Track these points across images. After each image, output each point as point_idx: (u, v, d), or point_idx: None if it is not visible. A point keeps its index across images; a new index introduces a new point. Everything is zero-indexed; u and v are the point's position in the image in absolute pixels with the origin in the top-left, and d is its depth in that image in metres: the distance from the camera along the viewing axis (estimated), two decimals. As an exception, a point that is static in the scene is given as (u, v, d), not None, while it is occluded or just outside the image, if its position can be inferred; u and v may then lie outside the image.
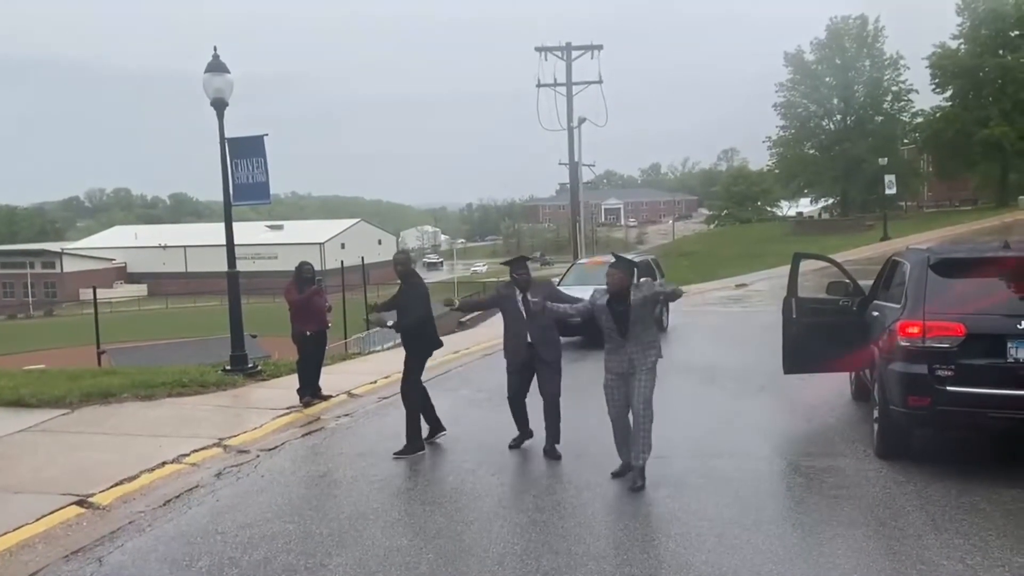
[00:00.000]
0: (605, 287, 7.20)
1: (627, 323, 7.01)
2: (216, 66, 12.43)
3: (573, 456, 7.87)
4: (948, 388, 6.76)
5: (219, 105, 12.46)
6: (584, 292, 16.73)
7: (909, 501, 6.41)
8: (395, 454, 8.20)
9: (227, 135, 12.61)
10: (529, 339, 8.05)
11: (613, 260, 7.38)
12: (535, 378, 8.17)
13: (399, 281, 8.68)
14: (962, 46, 57.87)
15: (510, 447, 8.18)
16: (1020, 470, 7.02)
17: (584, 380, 12.14)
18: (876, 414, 7.72)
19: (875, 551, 5.51)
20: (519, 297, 8.07)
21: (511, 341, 8.23)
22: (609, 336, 7.18)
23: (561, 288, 17.06)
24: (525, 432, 8.30)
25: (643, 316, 7.08)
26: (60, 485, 7.31)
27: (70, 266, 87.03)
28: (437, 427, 8.78)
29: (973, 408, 6.74)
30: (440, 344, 8.89)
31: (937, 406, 6.81)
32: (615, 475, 7.19)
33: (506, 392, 8.31)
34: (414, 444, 8.28)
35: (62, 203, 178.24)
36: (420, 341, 8.59)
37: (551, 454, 7.90)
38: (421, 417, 8.50)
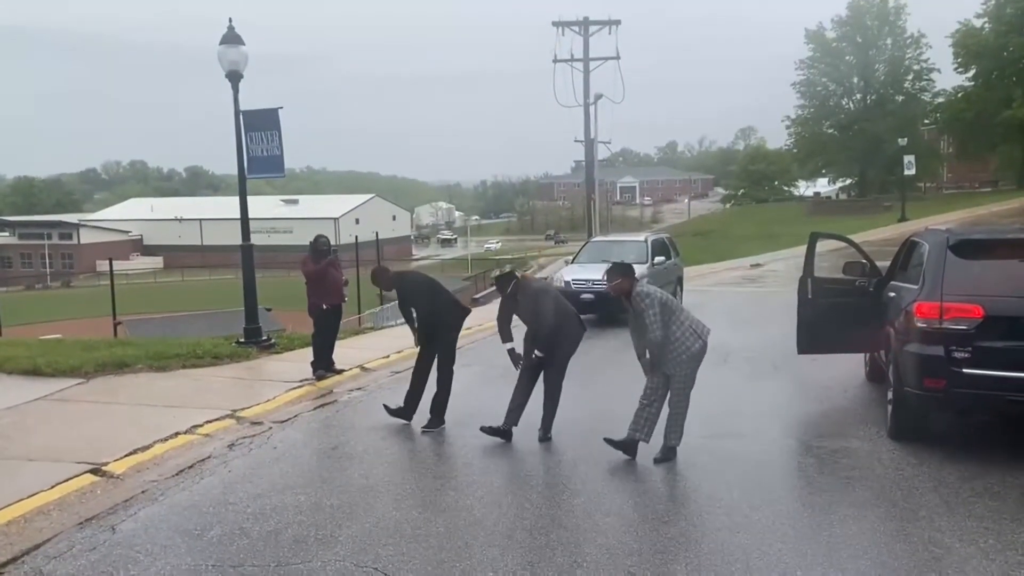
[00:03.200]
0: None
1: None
2: (231, 38, 12.38)
3: (585, 433, 7.86)
4: (964, 370, 6.68)
5: (234, 77, 12.42)
6: (598, 271, 16.73)
7: (922, 483, 6.37)
8: (423, 429, 8.29)
9: (243, 108, 12.59)
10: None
11: (609, 267, 7.41)
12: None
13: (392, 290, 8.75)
14: (986, 25, 56.88)
15: (482, 430, 7.83)
16: (1035, 454, 6.96)
17: (595, 358, 12.14)
18: (890, 396, 7.66)
19: (887, 532, 5.49)
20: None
21: (559, 335, 7.80)
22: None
23: (576, 265, 17.20)
24: (511, 425, 7.85)
25: (637, 327, 7.15)
26: (75, 453, 7.38)
27: (87, 238, 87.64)
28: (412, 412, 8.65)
29: (990, 391, 6.66)
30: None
31: (953, 388, 6.74)
32: (657, 461, 7.08)
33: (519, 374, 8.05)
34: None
35: (79, 175, 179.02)
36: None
37: (544, 437, 7.78)
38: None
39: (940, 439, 7.35)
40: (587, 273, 15.84)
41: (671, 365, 7.06)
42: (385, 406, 8.74)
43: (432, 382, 8.49)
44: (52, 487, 6.53)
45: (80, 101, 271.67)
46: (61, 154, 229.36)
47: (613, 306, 14.75)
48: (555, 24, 30.29)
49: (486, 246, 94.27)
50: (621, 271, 7.21)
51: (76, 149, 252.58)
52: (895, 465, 6.82)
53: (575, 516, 5.88)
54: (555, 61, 30.11)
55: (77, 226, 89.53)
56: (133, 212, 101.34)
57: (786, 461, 7.24)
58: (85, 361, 11.02)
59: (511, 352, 7.98)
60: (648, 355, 7.06)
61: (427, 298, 8.53)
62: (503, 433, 7.80)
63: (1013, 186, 57.62)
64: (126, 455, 7.35)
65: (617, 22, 30.29)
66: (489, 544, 5.42)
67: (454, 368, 8.54)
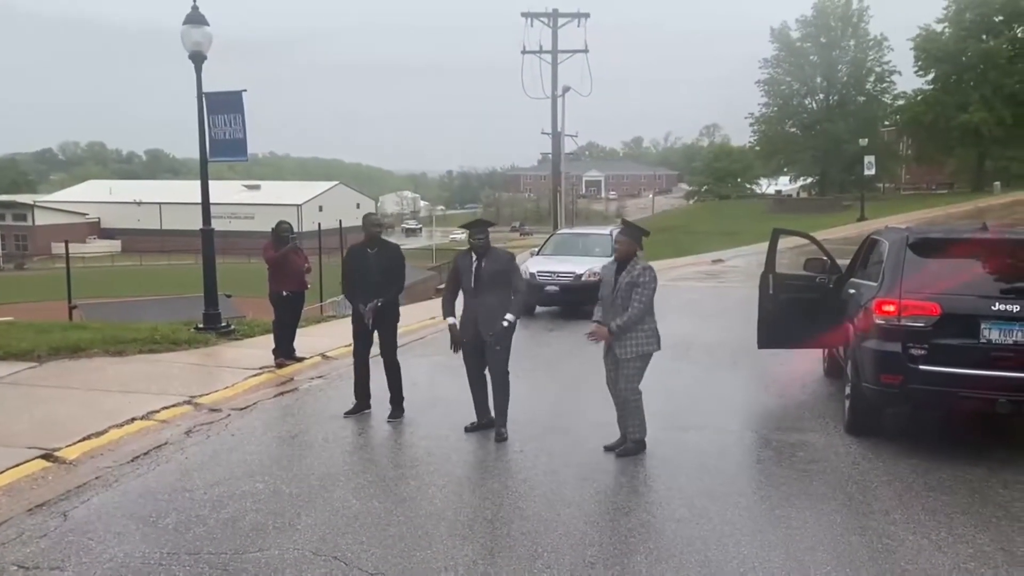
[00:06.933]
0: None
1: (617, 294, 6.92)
2: (195, 18, 12.17)
3: (546, 425, 7.87)
4: (920, 367, 6.80)
5: (197, 58, 12.21)
6: (562, 263, 16.69)
7: (877, 477, 6.48)
8: (389, 419, 8.16)
9: (206, 91, 12.39)
10: (475, 315, 7.52)
11: (622, 227, 7.31)
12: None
13: (369, 247, 8.29)
14: (946, 29, 57.98)
15: (466, 430, 7.69)
16: (987, 450, 7.11)
17: (560, 351, 12.16)
18: (848, 391, 7.78)
19: (842, 525, 5.57)
20: (473, 266, 7.51)
21: (463, 316, 7.68)
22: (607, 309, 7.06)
23: (540, 256, 17.18)
24: (484, 418, 7.74)
25: (625, 296, 6.94)
26: (26, 438, 7.21)
27: (42, 219, 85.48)
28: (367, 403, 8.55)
29: (944, 387, 6.79)
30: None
31: (909, 384, 6.86)
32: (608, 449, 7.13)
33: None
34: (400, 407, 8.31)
35: (35, 155, 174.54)
36: (395, 309, 8.52)
37: (500, 437, 7.45)
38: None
39: (895, 434, 7.48)
40: (552, 265, 15.84)
41: (627, 349, 7.00)
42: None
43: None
44: (1, 472, 6.37)
45: (36, 78, 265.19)
46: (15, 133, 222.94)
47: (577, 298, 14.85)
48: (524, 15, 30.26)
49: (451, 236, 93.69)
50: (631, 233, 7.14)
51: (32, 128, 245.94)
52: (851, 459, 6.93)
53: (536, 507, 5.88)
54: (523, 52, 30.11)
55: (32, 207, 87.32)
56: (91, 194, 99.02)
57: (745, 454, 7.31)
58: (38, 344, 10.78)
59: (452, 328, 7.74)
60: (612, 323, 6.92)
61: None
62: (479, 426, 7.73)
63: (967, 189, 58.87)
64: (79, 440, 7.20)
65: (586, 15, 30.36)
66: (450, 534, 5.40)
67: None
